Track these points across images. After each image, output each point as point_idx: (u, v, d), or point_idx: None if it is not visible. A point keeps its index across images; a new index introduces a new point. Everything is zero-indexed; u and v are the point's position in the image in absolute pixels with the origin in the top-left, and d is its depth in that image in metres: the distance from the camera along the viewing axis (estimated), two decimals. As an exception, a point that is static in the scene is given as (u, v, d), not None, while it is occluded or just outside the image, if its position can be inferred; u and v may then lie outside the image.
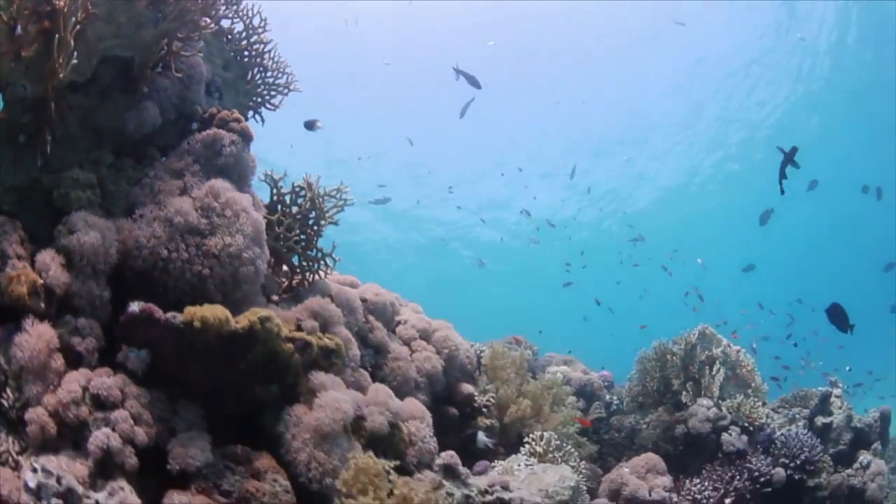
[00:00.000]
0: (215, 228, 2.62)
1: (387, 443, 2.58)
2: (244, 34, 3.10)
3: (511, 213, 19.30)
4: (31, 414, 2.21)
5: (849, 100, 16.74)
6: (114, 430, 2.20)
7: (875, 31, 14.75)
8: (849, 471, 4.66)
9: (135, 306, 2.38)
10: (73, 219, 2.60)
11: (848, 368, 7.20)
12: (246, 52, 3.13)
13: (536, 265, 20.72)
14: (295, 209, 2.96)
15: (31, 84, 2.77)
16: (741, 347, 4.85)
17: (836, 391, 4.84)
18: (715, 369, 4.55)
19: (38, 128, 2.80)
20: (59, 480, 2.03)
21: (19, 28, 2.43)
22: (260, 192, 3.06)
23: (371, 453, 2.11)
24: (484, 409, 3.51)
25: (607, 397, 5.05)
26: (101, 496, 2.09)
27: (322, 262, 2.98)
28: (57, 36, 2.63)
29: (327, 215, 2.97)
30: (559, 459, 3.36)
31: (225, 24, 3.11)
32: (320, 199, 2.95)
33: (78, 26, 2.66)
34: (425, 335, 3.41)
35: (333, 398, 2.37)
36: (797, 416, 4.79)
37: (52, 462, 2.10)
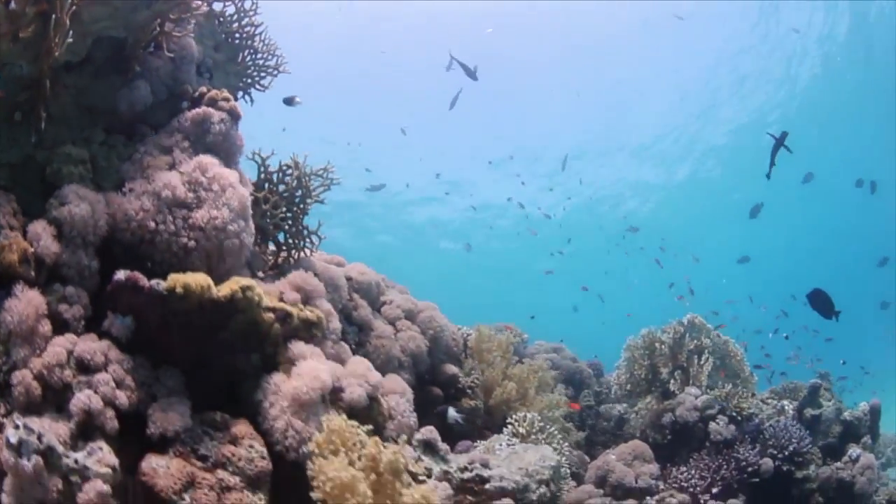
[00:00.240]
0: (202, 202, 2.68)
1: (365, 415, 2.63)
2: (235, 17, 3.18)
3: (500, 201, 19.49)
4: (17, 376, 2.28)
5: (843, 93, 16.78)
6: (96, 392, 2.27)
7: (866, 24, 14.81)
8: (838, 464, 4.65)
9: (121, 274, 2.45)
10: (64, 192, 2.68)
11: (842, 362, 7.17)
12: (237, 35, 3.20)
13: (526, 255, 20.78)
14: (282, 188, 3.03)
15: (27, 64, 2.86)
16: (730, 338, 4.86)
17: (826, 384, 4.83)
18: (703, 358, 4.56)
19: (33, 105, 2.88)
20: (39, 438, 2.09)
21: (13, 3, 2.51)
22: (249, 173, 3.13)
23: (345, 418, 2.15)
24: (468, 391, 3.55)
25: (596, 386, 5.07)
26: (79, 455, 2.15)
27: (308, 240, 3.05)
28: (53, 16, 2.72)
29: (314, 194, 3.03)
30: (542, 441, 3.39)
31: (217, 6, 3.19)
32: (307, 178, 3.01)
33: (73, 7, 2.75)
34: (410, 315, 3.46)
35: (312, 367, 2.42)
36: (786, 407, 4.79)
37: (34, 422, 2.16)
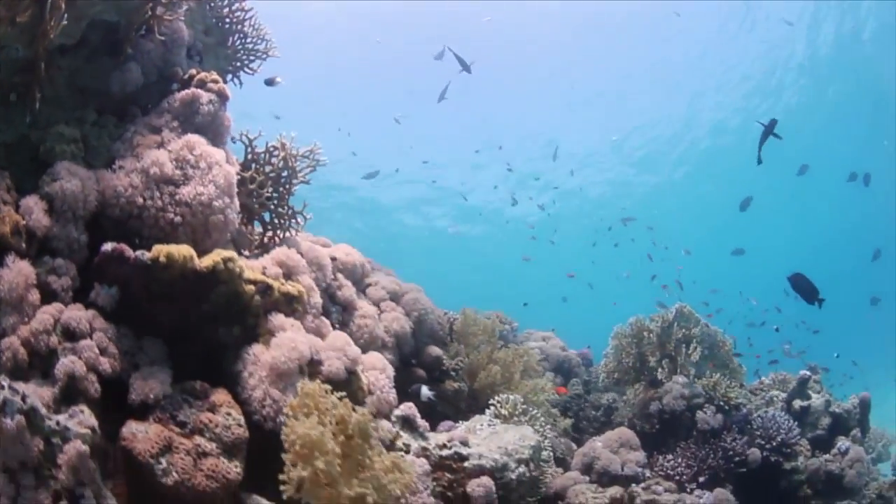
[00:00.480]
0: (189, 179, 2.75)
1: (344, 389, 2.67)
2: (226, 1, 3.26)
3: (486, 189, 19.53)
4: (5, 343, 2.36)
5: (836, 85, 16.76)
6: (80, 357, 2.34)
7: (861, 18, 14.78)
8: (826, 456, 4.64)
9: (107, 246, 2.53)
10: (56, 168, 2.77)
11: (836, 355, 7.14)
12: (227, 19, 3.28)
13: (517, 245, 20.93)
14: (268, 168, 3.10)
15: (24, 47, 2.96)
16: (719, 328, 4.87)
17: (816, 376, 4.83)
18: (691, 347, 4.58)
19: (28, 87, 2.98)
20: (24, 399, 2.16)
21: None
22: (238, 154, 3.21)
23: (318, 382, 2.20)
24: (452, 373, 3.59)
25: (585, 375, 5.09)
26: (61, 417, 2.22)
27: (293, 220, 3.11)
28: (49, 1, 2.81)
29: (300, 174, 3.10)
30: (525, 423, 3.43)
31: (209, -9, 3.27)
32: (293, 159, 3.08)
33: (69, -9, 2.84)
34: (395, 297, 3.52)
35: (290, 338, 2.48)
36: (775, 398, 4.79)
37: (20, 384, 2.23)
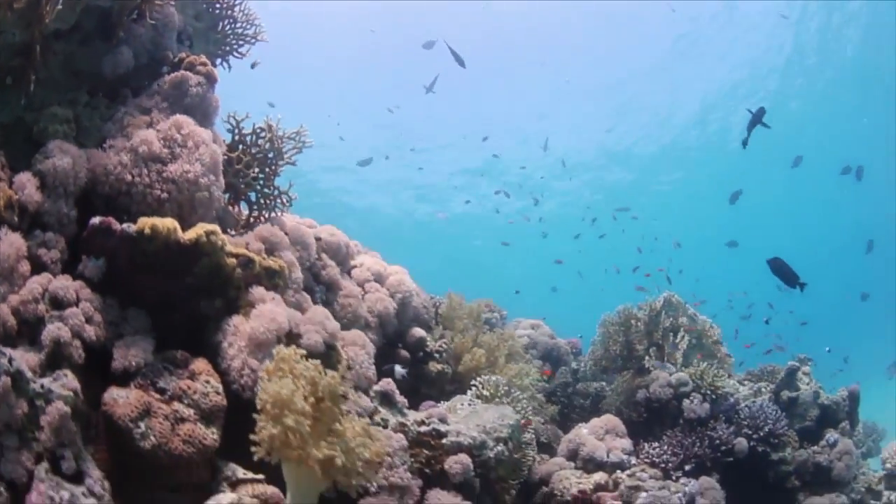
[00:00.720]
0: (176, 157, 2.84)
1: (322, 363, 2.74)
2: (217, -12, 3.35)
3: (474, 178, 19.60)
4: (-5, 310, 2.44)
5: (831, 78, 16.70)
6: (65, 324, 2.42)
7: (860, 11, 14.71)
8: (815, 448, 4.64)
9: (96, 219, 2.63)
10: (49, 146, 2.87)
11: (827, 349, 7.11)
12: (217, 4, 3.37)
13: (505, 234, 21.11)
14: (255, 150, 3.18)
15: (20, 32, 3.07)
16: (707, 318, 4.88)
17: (805, 367, 4.82)
18: (679, 336, 4.60)
19: (24, 70, 3.08)
20: (10, 361, 2.24)
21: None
22: (226, 136, 3.29)
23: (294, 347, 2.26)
24: (436, 355, 3.64)
25: (574, 363, 5.12)
26: (45, 380, 2.30)
27: (279, 200, 3.19)
28: (46, -15, 2.91)
29: (286, 156, 3.18)
30: (506, 404, 3.47)
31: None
32: (279, 141, 3.16)
33: (65, -23, 2.94)
34: (380, 278, 3.58)
35: (269, 310, 2.55)
36: (763, 389, 4.79)
37: (6, 349, 2.32)
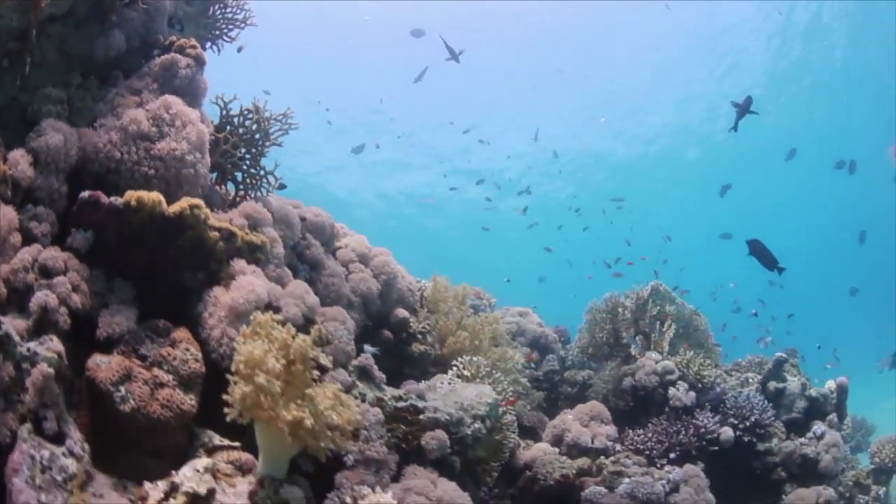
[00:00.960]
0: (164, 136, 2.93)
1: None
2: (208, -26, 3.45)
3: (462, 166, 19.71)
4: (-15, 279, 2.54)
5: (827, 72, 16.65)
6: (53, 292, 2.51)
7: (853, 5, 14.68)
8: (802, 439, 4.64)
9: (85, 193, 2.72)
10: (42, 125, 2.97)
11: (818, 346, 7.08)
12: (208, -10, 3.48)
13: (493, 223, 21.21)
14: (242, 130, 3.26)
15: (17, 16, 3.18)
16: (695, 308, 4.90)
17: (793, 359, 4.83)
18: (666, 325, 4.62)
19: (20, 54, 3.20)
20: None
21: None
22: (215, 117, 3.38)
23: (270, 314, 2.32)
24: (419, 336, 3.70)
25: (561, 351, 5.15)
26: (31, 344, 2.39)
27: (265, 180, 3.27)
28: (42, -28, 3.02)
29: (272, 137, 3.26)
30: (487, 385, 3.51)
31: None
32: (266, 122, 3.24)
33: (60, -36, 3.05)
34: (364, 259, 3.64)
35: (249, 281, 2.62)
36: (750, 379, 4.80)
37: (-4, 314, 2.41)
